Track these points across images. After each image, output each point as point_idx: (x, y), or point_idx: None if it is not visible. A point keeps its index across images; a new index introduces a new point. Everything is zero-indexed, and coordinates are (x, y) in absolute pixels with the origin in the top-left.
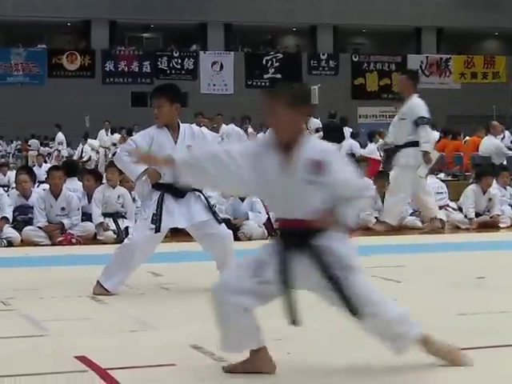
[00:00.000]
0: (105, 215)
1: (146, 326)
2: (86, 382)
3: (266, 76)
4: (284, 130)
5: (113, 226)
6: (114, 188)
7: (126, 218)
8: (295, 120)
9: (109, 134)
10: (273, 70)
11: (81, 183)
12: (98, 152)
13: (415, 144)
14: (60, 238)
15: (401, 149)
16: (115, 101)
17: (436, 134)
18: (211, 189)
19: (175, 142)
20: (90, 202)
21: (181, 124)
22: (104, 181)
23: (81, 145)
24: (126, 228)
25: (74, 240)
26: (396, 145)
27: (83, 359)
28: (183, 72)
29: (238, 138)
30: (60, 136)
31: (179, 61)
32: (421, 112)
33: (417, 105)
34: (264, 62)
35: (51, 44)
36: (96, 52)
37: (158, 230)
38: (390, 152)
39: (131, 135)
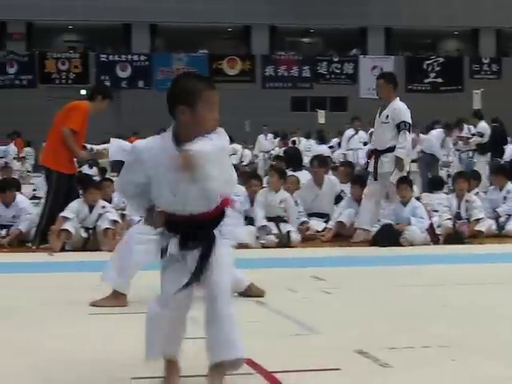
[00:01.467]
0: (267, 219)
1: (310, 330)
2: None
3: (426, 80)
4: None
5: (275, 230)
6: (276, 192)
7: (287, 223)
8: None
9: (267, 138)
10: (434, 74)
11: (242, 187)
12: (257, 156)
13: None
14: None
15: (382, 154)
16: (275, 105)
17: None
18: None
19: None
20: (252, 205)
21: None
22: (265, 185)
23: (241, 149)
24: (288, 232)
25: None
26: (377, 149)
27: (249, 362)
28: (343, 76)
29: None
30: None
31: (339, 65)
32: (404, 117)
33: (400, 109)
34: (425, 66)
35: (212, 49)
36: (256, 57)
37: None
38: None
39: (286, 139)
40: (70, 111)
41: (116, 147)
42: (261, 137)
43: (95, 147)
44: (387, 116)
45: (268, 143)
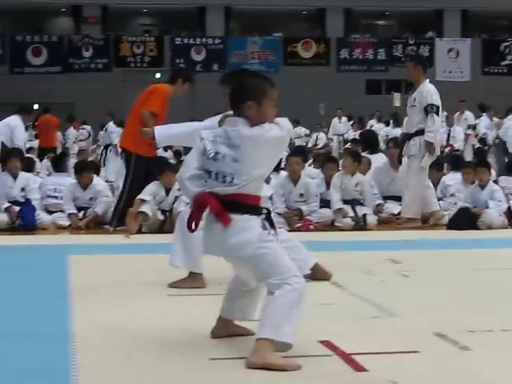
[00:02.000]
0: (343, 202)
1: (388, 312)
2: (332, 366)
3: (503, 63)
4: None
5: (351, 213)
6: (351, 175)
7: (363, 205)
8: None
9: (341, 121)
10: (511, 56)
11: (317, 170)
12: (331, 139)
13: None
14: (298, 224)
15: (411, 137)
16: (349, 88)
17: None
18: None
19: None
20: (328, 188)
21: None
22: (340, 168)
23: (315, 132)
24: (364, 215)
25: (311, 226)
26: (406, 133)
27: (327, 344)
28: None
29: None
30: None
31: (414, 48)
32: (431, 99)
33: (428, 91)
34: (502, 48)
35: (286, 32)
36: (331, 39)
37: None
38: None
39: (362, 123)
40: (151, 94)
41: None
42: (335, 120)
43: None
44: (415, 99)
45: (342, 126)
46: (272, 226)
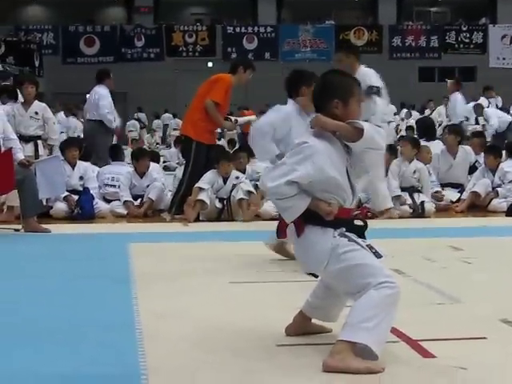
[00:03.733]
0: (401, 189)
1: (453, 299)
2: (400, 352)
3: None
4: None
5: (409, 201)
6: (409, 162)
7: (421, 193)
8: None
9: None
10: None
11: None
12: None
13: None
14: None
15: None
16: (402, 76)
17: None
18: None
19: None
20: (386, 175)
21: None
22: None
23: None
24: (422, 203)
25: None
26: None
27: (394, 330)
28: (471, 46)
29: None
30: None
31: (467, 35)
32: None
33: (365, 74)
34: None
35: (339, 20)
36: (383, 27)
37: None
38: None
39: (423, 111)
40: (214, 83)
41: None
42: None
43: (239, 119)
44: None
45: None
46: (357, 235)
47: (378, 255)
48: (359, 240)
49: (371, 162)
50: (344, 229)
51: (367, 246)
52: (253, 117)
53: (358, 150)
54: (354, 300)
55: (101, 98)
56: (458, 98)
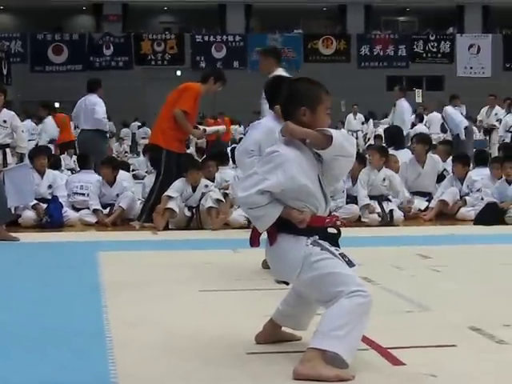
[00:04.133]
0: (370, 198)
1: (422, 307)
2: (368, 360)
3: None
4: None
5: (378, 209)
6: (378, 171)
7: (390, 201)
8: None
9: (356, 117)
10: None
11: None
12: None
13: None
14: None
15: None
16: (370, 85)
17: None
18: None
19: None
20: (354, 184)
21: None
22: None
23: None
24: (391, 211)
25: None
26: None
27: (363, 338)
28: (439, 55)
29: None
30: None
31: (435, 44)
32: None
33: None
34: None
35: (307, 29)
36: (351, 36)
37: None
38: None
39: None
40: (183, 92)
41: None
42: (350, 116)
43: (207, 128)
44: None
45: (357, 123)
46: (330, 243)
47: (350, 264)
48: (332, 248)
49: (341, 170)
50: (317, 237)
51: (340, 254)
52: (221, 127)
53: (328, 158)
54: (325, 308)
55: (97, 104)
56: (404, 105)
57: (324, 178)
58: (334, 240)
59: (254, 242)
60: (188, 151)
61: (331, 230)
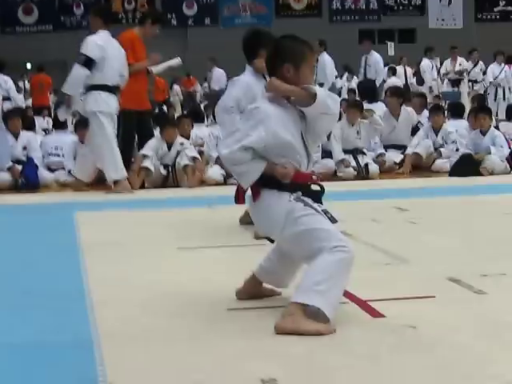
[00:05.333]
0: (344, 152)
1: (400, 259)
2: (348, 313)
3: (496, 9)
4: None
5: (353, 163)
6: (352, 125)
7: (365, 154)
8: None
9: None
10: (504, 2)
11: None
12: None
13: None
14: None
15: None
16: (342, 39)
17: None
18: None
19: None
20: (328, 138)
21: None
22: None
23: None
24: (366, 164)
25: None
26: None
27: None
28: (410, 8)
29: None
30: None
31: None
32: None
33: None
34: None
35: None
36: None
37: None
38: None
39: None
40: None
41: None
42: None
43: (154, 68)
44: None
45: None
46: (313, 199)
47: (333, 220)
48: (315, 205)
49: (324, 128)
50: (300, 193)
51: (323, 210)
52: (175, 60)
53: (312, 115)
54: (308, 264)
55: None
56: (325, 58)
57: (307, 136)
58: (317, 197)
59: (239, 199)
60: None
61: (314, 187)
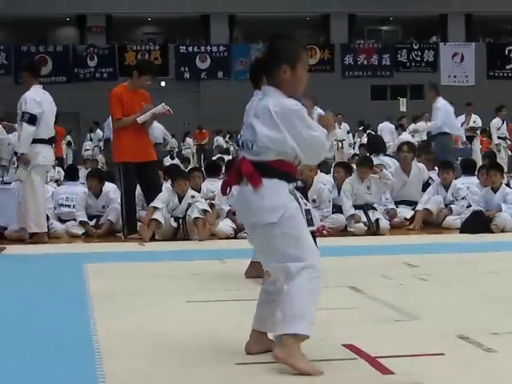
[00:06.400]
0: (355, 207)
1: (409, 315)
2: (357, 369)
3: (508, 67)
4: None
5: (364, 218)
6: (362, 181)
7: (376, 210)
8: None
9: (341, 127)
10: None
11: (328, 176)
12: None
13: None
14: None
15: None
16: (355, 94)
17: None
18: None
19: None
20: (339, 194)
21: None
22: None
23: None
24: (377, 220)
25: (325, 232)
26: None
27: (351, 347)
28: (423, 64)
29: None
30: None
31: (419, 53)
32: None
33: (23, 98)
34: (506, 52)
35: None
36: (335, 46)
37: None
38: None
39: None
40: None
41: None
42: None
43: (140, 117)
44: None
45: (341, 132)
46: (302, 196)
47: (310, 223)
48: (302, 202)
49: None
50: (293, 185)
51: (305, 210)
52: (159, 107)
53: None
54: (272, 274)
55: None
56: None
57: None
58: (302, 192)
59: (223, 190)
60: (174, 162)
61: (299, 184)
